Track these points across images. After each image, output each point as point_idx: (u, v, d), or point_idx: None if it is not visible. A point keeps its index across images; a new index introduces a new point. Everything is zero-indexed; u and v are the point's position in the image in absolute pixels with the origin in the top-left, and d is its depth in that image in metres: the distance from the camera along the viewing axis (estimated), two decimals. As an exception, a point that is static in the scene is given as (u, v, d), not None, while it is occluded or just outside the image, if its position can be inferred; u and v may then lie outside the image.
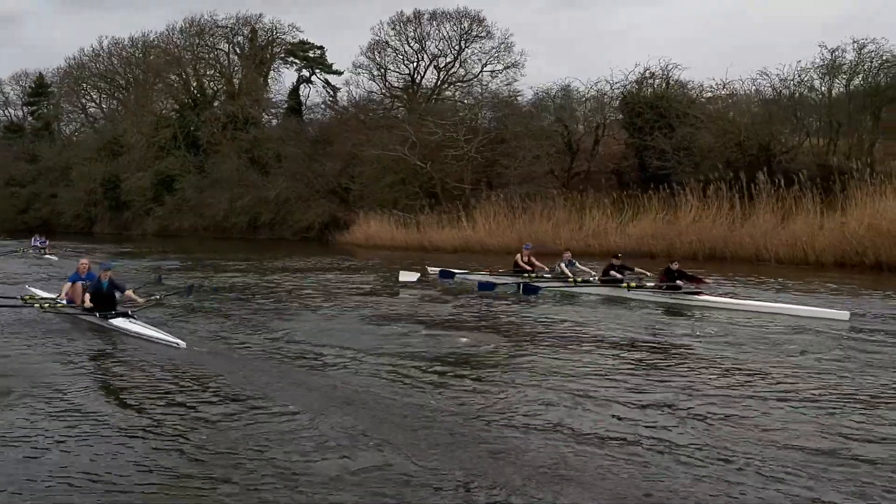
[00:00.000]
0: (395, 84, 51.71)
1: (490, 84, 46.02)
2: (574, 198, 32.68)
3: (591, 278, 17.47)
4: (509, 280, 18.41)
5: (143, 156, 60.80)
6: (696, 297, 15.35)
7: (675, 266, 16.16)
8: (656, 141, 33.44)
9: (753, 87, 33.28)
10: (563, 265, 18.06)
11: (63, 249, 36.22)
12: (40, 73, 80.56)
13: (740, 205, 26.25)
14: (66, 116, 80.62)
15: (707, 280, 16.35)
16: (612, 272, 17.14)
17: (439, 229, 35.12)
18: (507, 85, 43.86)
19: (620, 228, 28.72)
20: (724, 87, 34.24)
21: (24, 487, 5.51)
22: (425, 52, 49.86)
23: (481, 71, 48.62)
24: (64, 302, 13.23)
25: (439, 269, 20.59)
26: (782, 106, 31.93)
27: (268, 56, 64.14)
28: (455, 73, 50.15)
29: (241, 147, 55.28)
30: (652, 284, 16.46)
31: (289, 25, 63.34)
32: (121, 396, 8.25)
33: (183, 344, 10.62)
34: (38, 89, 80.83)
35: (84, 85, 75.82)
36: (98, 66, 73.58)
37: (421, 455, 6.18)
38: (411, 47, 49.86)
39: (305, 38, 63.80)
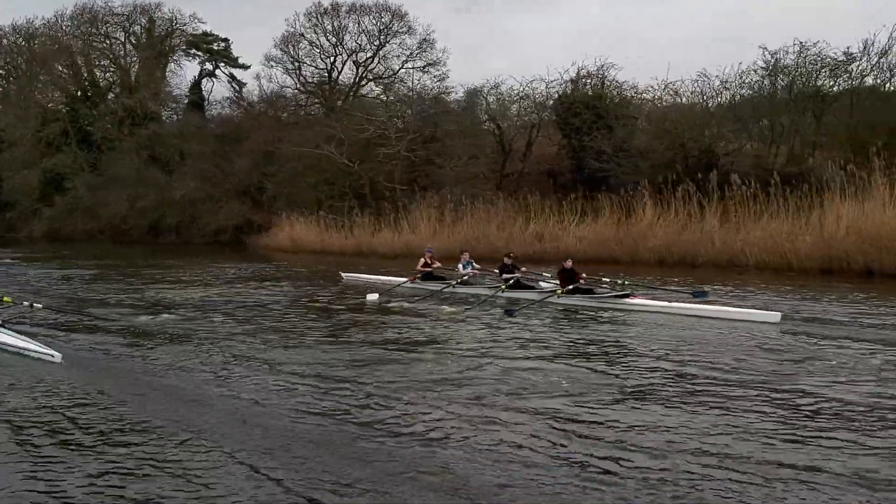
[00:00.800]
0: (310, 79, 48.94)
1: (412, 81, 43.72)
2: (517, 199, 31.01)
3: (503, 286, 16.46)
4: (433, 286, 17.43)
5: (28, 152, 55.66)
6: (624, 300, 14.59)
7: (569, 264, 15.46)
8: (595, 141, 32.18)
9: (695, 89, 32.41)
10: (465, 265, 17.61)
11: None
12: None
13: (699, 208, 25.23)
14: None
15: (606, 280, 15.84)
16: (515, 273, 16.69)
17: (375, 232, 32.84)
18: (439, 81, 41.71)
19: (571, 231, 27.19)
20: (664, 88, 33.26)
21: None
22: (343, 46, 47.38)
23: (401, 67, 46.56)
24: None
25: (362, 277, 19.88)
26: (724, 108, 31.27)
27: (167, 47, 59.95)
28: (373, 69, 47.96)
29: (140, 144, 51.23)
30: (571, 286, 15.19)
31: (189, 16, 59.66)
32: None
33: (58, 356, 9.66)
34: None
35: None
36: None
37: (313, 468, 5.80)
38: (328, 41, 47.22)
39: (209, 30, 60.19)
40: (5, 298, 12.61)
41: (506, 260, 17.10)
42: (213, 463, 5.95)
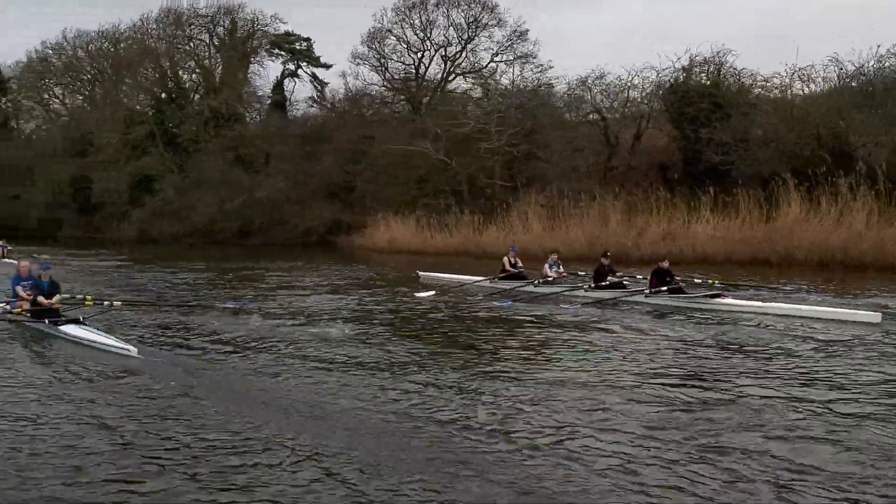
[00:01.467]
0: (397, 76, 47.22)
1: (512, 73, 41.42)
2: (628, 194, 28.69)
3: (586, 285, 16.23)
4: (507, 286, 17.21)
5: (116, 154, 55.41)
6: (715, 300, 14.14)
7: (665, 265, 15.17)
8: (715, 132, 29.64)
9: (826, 75, 29.57)
10: (550, 266, 17.20)
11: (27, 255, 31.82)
12: (-3, 67, 74.48)
13: (835, 202, 22.57)
14: (26, 113, 74.20)
15: (699, 281, 15.52)
16: (609, 276, 16.16)
17: (479, 230, 30.84)
18: (539, 73, 39.22)
19: (699, 228, 24.71)
20: (793, 73, 30.32)
21: None
22: (430, 41, 45.57)
23: (491, 61, 44.51)
24: (9, 307, 12.54)
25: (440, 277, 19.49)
26: (859, 94, 28.37)
27: (249, 48, 59.05)
28: (461, 63, 46.00)
29: (226, 145, 50.32)
30: (663, 288, 14.95)
31: (271, 16, 58.48)
32: (68, 406, 7.67)
33: (134, 350, 10.07)
34: (-5, 84, 74.55)
35: (46, 79, 70.03)
36: (62, 59, 68.01)
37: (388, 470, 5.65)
38: (416, 35, 45.45)
39: (291, 30, 59.13)
40: (87, 300, 12.83)
41: (603, 261, 16.42)
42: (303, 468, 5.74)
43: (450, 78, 46.07)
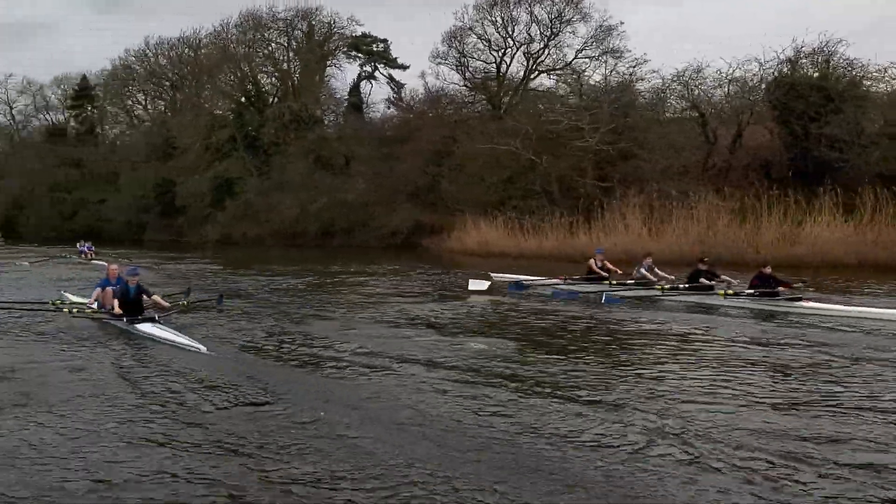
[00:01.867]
0: (477, 75, 46.08)
1: (605, 68, 39.72)
2: (734, 193, 26.93)
3: (679, 285, 15.94)
4: (590, 288, 16.81)
5: (199, 158, 55.71)
6: (797, 303, 13.79)
7: (768, 270, 14.64)
8: (827, 128, 27.68)
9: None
10: (643, 270, 16.70)
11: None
12: (84, 74, 76.03)
13: None
14: (111, 119, 75.66)
15: (798, 285, 14.78)
16: (702, 279, 15.64)
17: (572, 233, 29.45)
18: (634, 66, 37.37)
19: (817, 231, 22.90)
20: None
21: (43, 492, 5.27)
22: (512, 38, 44.32)
23: (575, 57, 43.00)
24: (95, 307, 13.11)
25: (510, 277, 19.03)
26: None
27: (326, 51, 58.68)
28: (543, 60, 44.61)
29: (307, 147, 49.99)
30: (750, 291, 14.63)
31: (347, 18, 57.98)
32: (139, 401, 7.76)
33: (204, 349, 10.34)
34: (82, 91, 76.08)
35: (130, 86, 71.25)
36: (145, 66, 69.05)
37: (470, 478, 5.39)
38: (498, 33, 44.27)
39: (367, 32, 58.58)
40: (165, 300, 13.16)
41: (700, 266, 15.98)
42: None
43: (532, 76, 44.80)
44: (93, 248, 35.07)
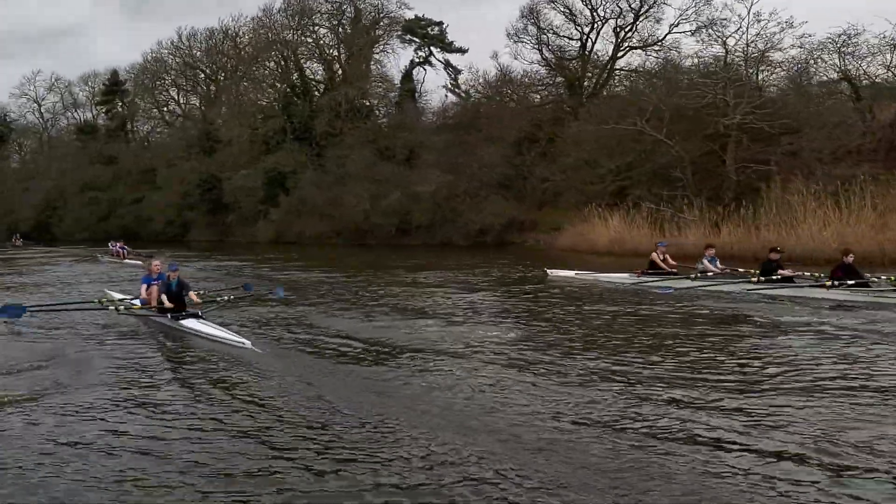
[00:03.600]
0: (559, 53, 40.86)
1: (747, 35, 34.06)
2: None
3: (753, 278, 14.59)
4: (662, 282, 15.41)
5: (246, 151, 50.64)
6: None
7: (849, 259, 13.81)
8: None
9: None
10: (706, 261, 15.97)
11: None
12: (114, 69, 71.02)
13: None
14: (142, 114, 70.39)
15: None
16: (781, 272, 14.47)
17: (717, 227, 24.25)
18: (781, 30, 31.22)
19: None
20: None
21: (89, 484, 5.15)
22: (597, 13, 39.11)
23: (669, 32, 37.78)
24: (138, 303, 12.90)
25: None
26: None
27: (374, 35, 53.31)
28: (631, 36, 39.38)
29: (367, 137, 44.92)
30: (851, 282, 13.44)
31: (396, 2, 52.58)
32: (187, 395, 7.60)
33: (248, 343, 9.90)
34: (112, 87, 71.04)
35: (164, 79, 66.08)
36: (178, 58, 63.96)
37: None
38: (584, 4, 39.02)
39: (421, 15, 53.25)
40: (207, 296, 13.06)
41: (772, 255, 14.90)
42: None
43: (620, 54, 39.60)
44: (126, 247, 33.37)
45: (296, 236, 43.61)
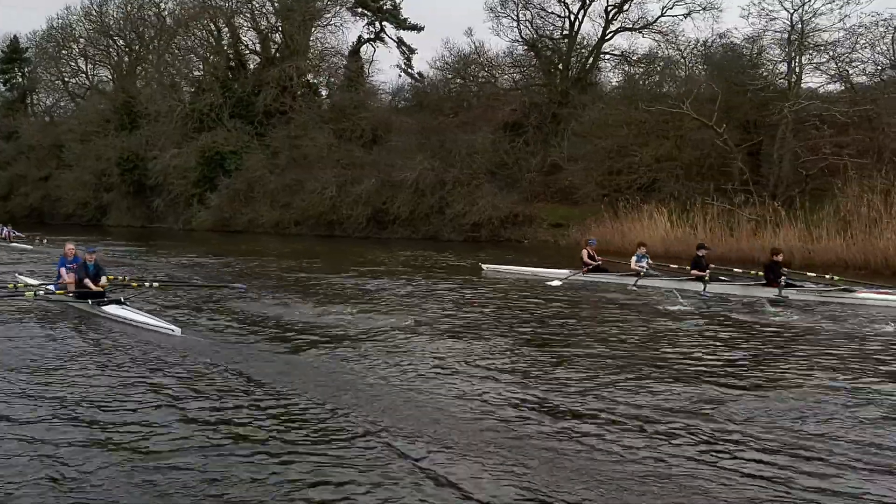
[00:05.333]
0: (540, 33, 35.99)
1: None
2: None
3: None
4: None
5: (177, 128, 43.25)
6: (847, 294, 12.41)
7: (779, 258, 13.35)
8: None
9: None
10: (642, 261, 14.90)
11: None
12: (14, 35, 61.17)
13: None
14: (45, 86, 60.80)
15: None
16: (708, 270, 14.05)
17: (772, 229, 20.09)
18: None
19: None
20: None
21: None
22: (584, -9, 34.41)
23: (662, 14, 33.62)
24: (53, 288, 11.86)
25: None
26: None
27: (317, 7, 46.64)
28: (616, 17, 34.94)
29: (322, 116, 38.74)
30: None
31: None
32: (115, 384, 6.98)
33: (177, 331, 9.27)
34: (11, 55, 61.22)
35: (71, 48, 57.09)
36: (88, 26, 55.24)
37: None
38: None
39: (371, -14, 46.99)
40: (132, 282, 12.72)
41: (699, 252, 14.32)
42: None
43: (608, 36, 35.10)
44: (13, 231, 29.37)
45: (244, 225, 37.02)
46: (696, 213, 21.50)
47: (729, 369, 7.66)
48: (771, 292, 12.83)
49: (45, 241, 27.44)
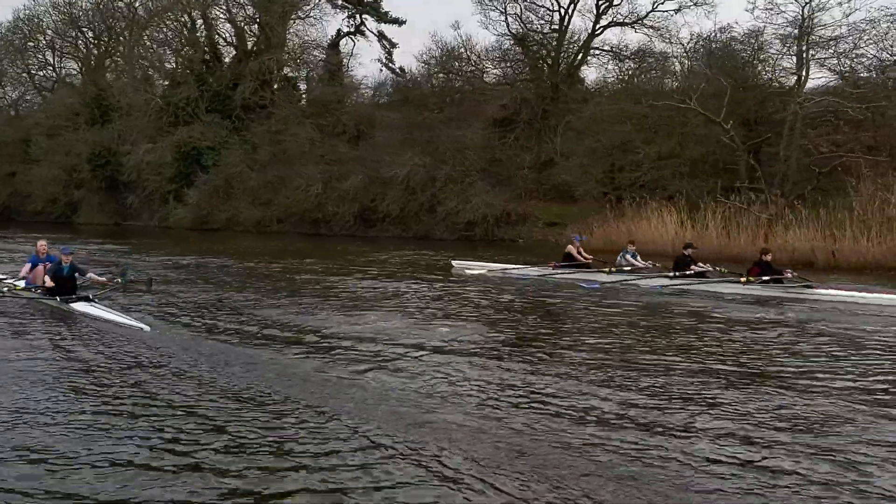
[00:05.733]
0: (529, 27, 34.86)
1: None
2: None
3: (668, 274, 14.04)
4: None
5: (152, 122, 41.32)
6: (806, 290, 12.48)
7: (768, 258, 13.15)
8: None
9: None
10: (628, 256, 14.92)
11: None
12: (-24, 26, 58.36)
13: None
14: (10, 79, 58.17)
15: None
16: (693, 267, 14.04)
17: (780, 227, 19.18)
18: None
19: None
20: None
21: None
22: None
23: (654, 9, 32.66)
24: (22, 284, 11.45)
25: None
26: None
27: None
28: (609, 13, 33.94)
29: (302, 111, 37.22)
30: (766, 278, 12.96)
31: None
32: (82, 381, 6.69)
33: (147, 328, 9.06)
34: (-25, 46, 58.44)
35: (38, 40, 54.66)
36: (56, 17, 52.86)
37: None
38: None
39: (353, -21, 45.35)
40: (101, 280, 11.49)
41: (685, 251, 14.42)
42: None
43: (597, 31, 34.09)
44: None
45: (223, 222, 35.38)
46: (706, 213, 20.49)
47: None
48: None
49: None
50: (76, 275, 11.04)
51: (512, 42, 34.85)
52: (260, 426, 5.29)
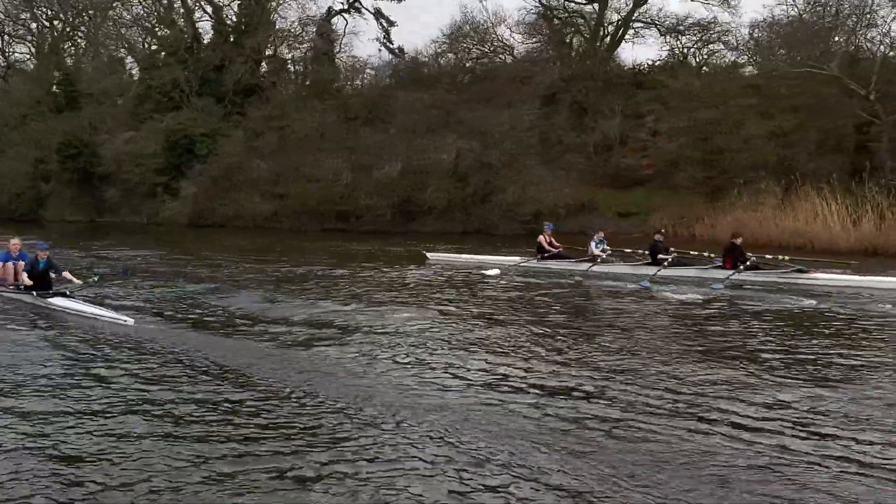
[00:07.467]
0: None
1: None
2: None
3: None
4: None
5: (127, 108, 35.08)
6: (803, 276, 11.67)
7: (738, 241, 12.41)
8: None
9: None
10: (600, 244, 14.06)
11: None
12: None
13: None
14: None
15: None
16: (660, 254, 13.09)
17: None
18: None
19: None
20: None
21: None
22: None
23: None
24: None
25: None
26: None
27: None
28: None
29: (307, 93, 31.74)
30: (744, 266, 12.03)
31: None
32: (75, 375, 6.33)
33: (131, 321, 8.48)
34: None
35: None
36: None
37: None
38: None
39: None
40: (76, 277, 10.63)
41: (657, 237, 13.57)
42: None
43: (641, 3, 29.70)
44: None
45: (226, 218, 29.71)
46: (859, 200, 16.27)
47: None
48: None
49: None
50: (51, 271, 10.40)
51: (544, 13, 30.16)
52: (269, 415, 4.99)
